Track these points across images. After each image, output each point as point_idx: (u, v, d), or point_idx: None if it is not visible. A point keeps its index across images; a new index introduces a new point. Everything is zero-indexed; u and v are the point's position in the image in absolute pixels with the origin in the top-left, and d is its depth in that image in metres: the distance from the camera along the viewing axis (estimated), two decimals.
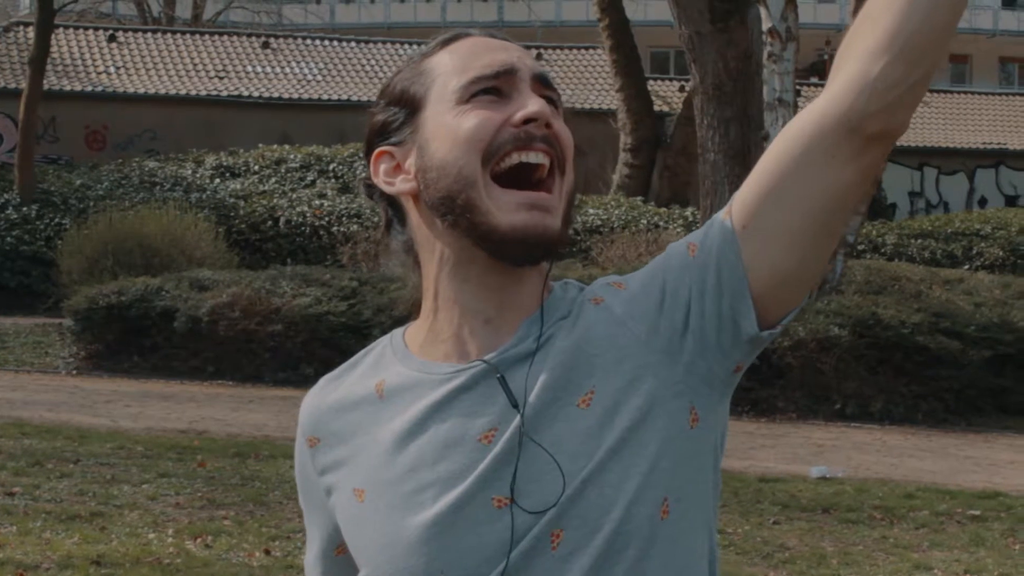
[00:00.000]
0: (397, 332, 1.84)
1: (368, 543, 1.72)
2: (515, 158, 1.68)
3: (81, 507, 8.66)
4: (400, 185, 1.76)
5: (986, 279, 17.24)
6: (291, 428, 12.70)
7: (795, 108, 15.24)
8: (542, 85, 1.74)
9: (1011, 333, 15.02)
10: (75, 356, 16.69)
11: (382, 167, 1.79)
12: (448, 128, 1.71)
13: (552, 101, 1.74)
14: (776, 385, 14.82)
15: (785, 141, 1.66)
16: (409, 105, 1.76)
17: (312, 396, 1.83)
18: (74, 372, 16.13)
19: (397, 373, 1.76)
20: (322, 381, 1.83)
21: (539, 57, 34.79)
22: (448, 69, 1.74)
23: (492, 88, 1.72)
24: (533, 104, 1.69)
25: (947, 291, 16.38)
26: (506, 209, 1.67)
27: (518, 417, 1.67)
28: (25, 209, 22.96)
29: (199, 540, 7.96)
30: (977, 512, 9.88)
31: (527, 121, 1.69)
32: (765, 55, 15.22)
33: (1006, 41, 54.17)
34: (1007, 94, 40.78)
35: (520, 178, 1.69)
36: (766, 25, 15.14)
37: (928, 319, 14.89)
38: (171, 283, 16.55)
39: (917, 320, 14.79)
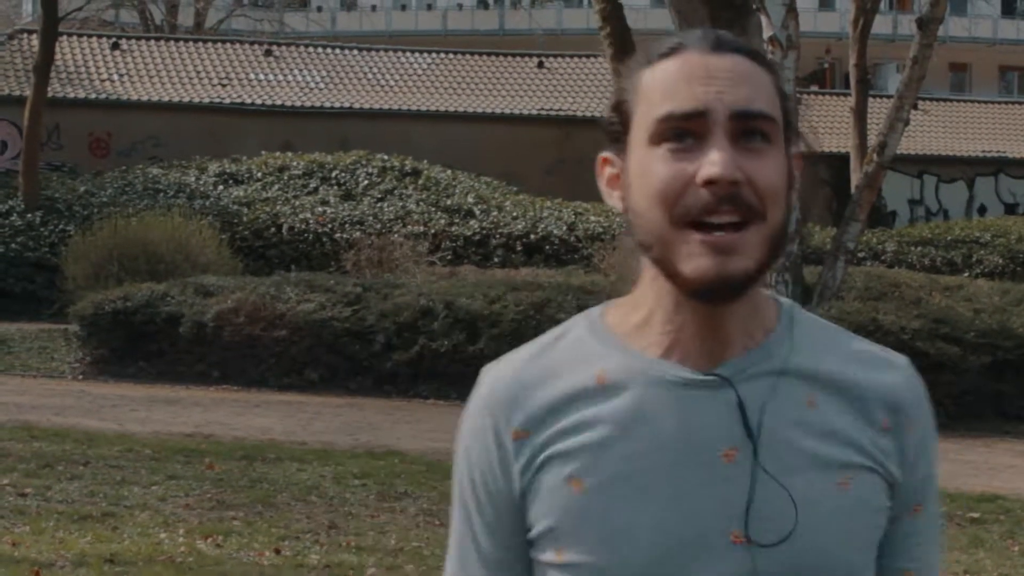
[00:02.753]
0: (593, 315, 1.79)
1: (589, 533, 1.66)
2: (702, 220, 1.63)
3: (92, 508, 8.78)
4: (615, 200, 1.74)
5: (985, 286, 17.38)
6: (297, 432, 12.87)
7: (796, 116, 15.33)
8: (743, 120, 1.65)
9: (1010, 339, 15.15)
10: (81, 361, 16.80)
11: (606, 171, 1.76)
12: (641, 173, 1.68)
13: (758, 132, 1.66)
14: None
15: None
16: (623, 119, 1.73)
17: (511, 381, 1.74)
18: (80, 377, 16.24)
19: (617, 363, 1.71)
20: (512, 366, 1.76)
21: (540, 65, 34.90)
22: (651, 94, 1.69)
23: (684, 130, 1.65)
24: (716, 163, 1.62)
25: (947, 297, 16.52)
26: (689, 253, 1.63)
27: (751, 446, 1.66)
28: (29, 216, 23.09)
29: (210, 540, 8.07)
30: (977, 515, 10.01)
31: (710, 182, 1.63)
32: None
33: (1006, 50, 54.33)
34: (1007, 102, 40.92)
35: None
36: (767, 34, 15.25)
37: (928, 325, 15.02)
38: (176, 289, 16.66)
39: (917, 326, 14.91)
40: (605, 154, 1.75)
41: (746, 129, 1.64)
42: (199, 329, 16.03)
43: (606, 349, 1.72)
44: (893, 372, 1.73)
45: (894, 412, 1.70)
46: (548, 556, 1.68)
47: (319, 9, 51.45)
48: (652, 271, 1.70)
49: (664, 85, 1.67)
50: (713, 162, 1.61)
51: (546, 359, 1.73)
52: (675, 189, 1.63)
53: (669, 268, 1.65)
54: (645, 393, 1.68)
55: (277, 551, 7.96)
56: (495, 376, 1.74)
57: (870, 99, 29.13)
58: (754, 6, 16.54)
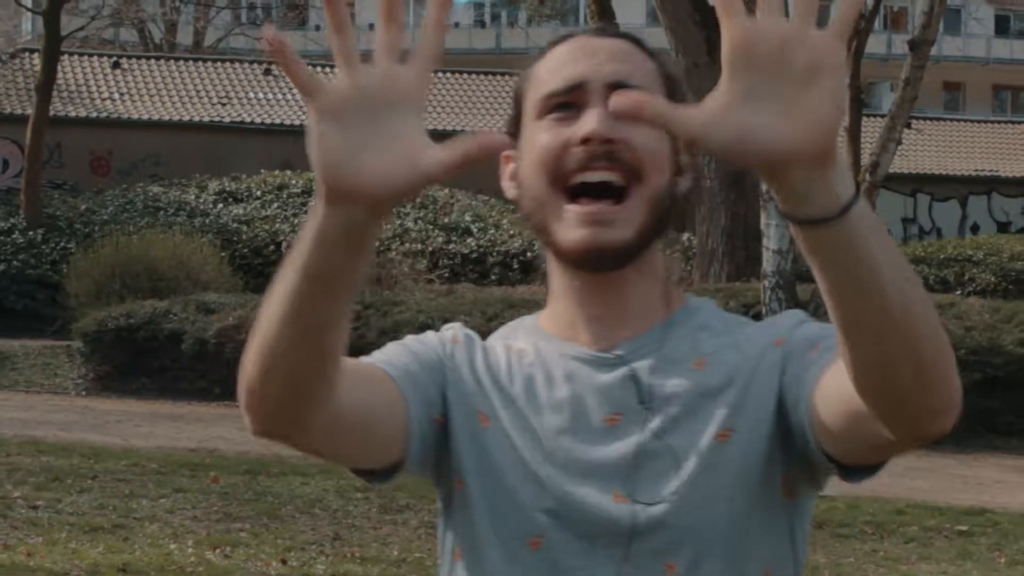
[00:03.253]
0: (530, 318, 1.90)
1: (489, 466, 1.78)
2: (577, 178, 1.73)
3: (103, 519, 9.01)
4: (510, 191, 1.83)
5: (976, 304, 17.58)
6: None
7: None
8: (620, 91, 1.66)
9: (1000, 356, 15.37)
10: (84, 377, 17.03)
11: (508, 168, 1.84)
12: (528, 146, 1.79)
13: None
14: None
15: (838, 385, 1.59)
16: (517, 109, 1.84)
17: (464, 327, 1.90)
18: (84, 393, 16.47)
19: (529, 342, 1.83)
20: (468, 331, 1.90)
21: None
22: (539, 78, 1.81)
23: (565, 103, 1.76)
24: (589, 122, 1.72)
25: (938, 315, 16.75)
26: (568, 224, 1.73)
27: (645, 413, 1.76)
28: (31, 233, 23.33)
29: (218, 550, 8.30)
30: (965, 527, 10.23)
31: (586, 140, 1.72)
32: None
33: (999, 69, 54.68)
34: (999, 122, 41.22)
35: (593, 188, 1.74)
36: None
37: None
38: (178, 306, 16.90)
39: None
40: (507, 152, 1.83)
41: None
42: (201, 346, 16.26)
43: (527, 334, 1.85)
44: (784, 316, 1.82)
45: (781, 336, 1.75)
46: (453, 478, 1.80)
47: (317, 28, 51.75)
48: (551, 266, 1.82)
49: (550, 69, 1.79)
50: (587, 121, 1.72)
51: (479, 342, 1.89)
52: (555, 151, 1.73)
53: (549, 237, 1.76)
54: (551, 364, 1.79)
55: (283, 561, 8.19)
56: (457, 325, 1.92)
57: (864, 118, 29.45)
58: None
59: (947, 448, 14.61)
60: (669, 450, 1.74)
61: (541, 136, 1.76)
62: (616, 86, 1.71)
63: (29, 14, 37.10)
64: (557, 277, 1.82)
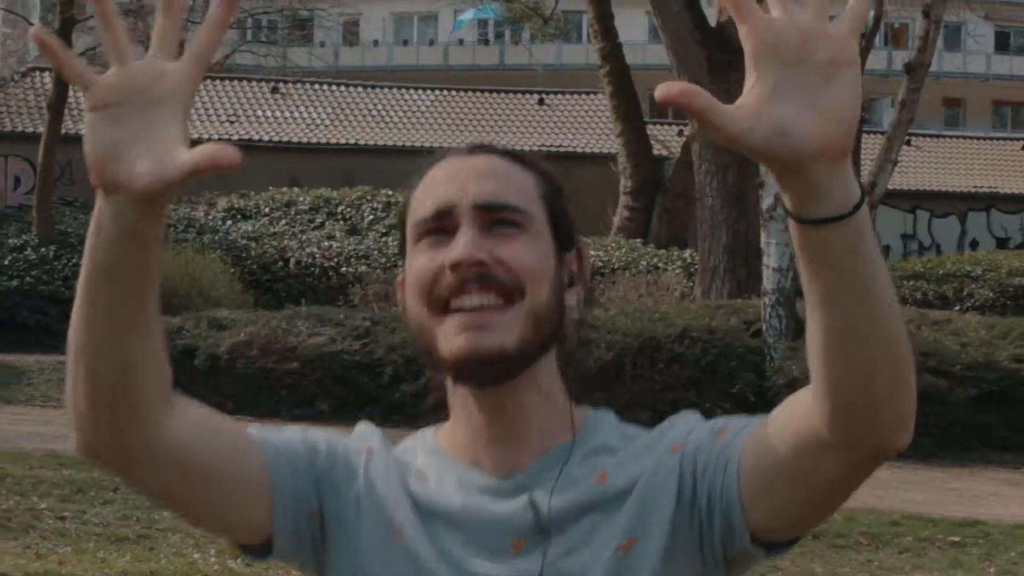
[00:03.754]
0: (427, 433, 1.85)
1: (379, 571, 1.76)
2: (453, 304, 1.70)
3: (127, 530, 9.38)
4: (404, 316, 1.80)
5: (973, 320, 17.91)
6: None
7: None
8: (489, 211, 1.73)
9: (995, 372, 15.70)
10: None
11: (399, 294, 1.82)
12: (408, 271, 1.77)
13: (507, 221, 1.74)
14: None
15: (783, 424, 1.65)
16: (401, 232, 1.82)
17: (381, 435, 1.86)
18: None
19: (430, 465, 1.79)
20: (379, 433, 1.86)
21: (541, 102, 35.57)
22: (415, 202, 1.79)
23: (437, 228, 1.74)
24: (456, 247, 1.70)
25: (935, 331, 17.05)
26: (447, 335, 1.69)
27: (547, 538, 1.73)
28: (43, 250, 23.68)
29: (239, 559, 8.66)
30: (957, 538, 10.59)
31: (455, 266, 1.69)
32: None
33: (999, 85, 55.02)
34: (998, 139, 41.54)
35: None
36: None
37: (916, 358, 15.28)
38: (191, 322, 17.25)
39: None
40: (399, 279, 1.82)
41: (495, 219, 1.72)
42: (213, 361, 16.60)
43: (430, 457, 1.80)
44: (674, 422, 1.80)
45: (677, 442, 1.75)
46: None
47: (322, 44, 52.16)
48: (449, 387, 1.78)
49: (423, 194, 1.77)
50: (455, 246, 1.70)
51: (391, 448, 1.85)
52: (429, 277, 1.71)
53: (433, 355, 1.71)
54: (449, 494, 1.76)
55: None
56: (370, 426, 1.88)
57: (865, 135, 29.77)
58: None
59: (943, 462, 14.96)
60: (574, 573, 1.71)
61: (417, 261, 1.74)
62: (485, 207, 1.72)
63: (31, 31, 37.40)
64: (454, 396, 1.78)
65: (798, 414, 1.60)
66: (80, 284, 1.54)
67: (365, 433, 1.86)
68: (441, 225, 1.73)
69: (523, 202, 1.76)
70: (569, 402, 1.80)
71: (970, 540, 10.57)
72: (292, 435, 1.79)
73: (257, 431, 1.76)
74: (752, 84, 1.40)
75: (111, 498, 10.53)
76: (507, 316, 1.69)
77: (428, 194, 1.77)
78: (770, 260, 15.79)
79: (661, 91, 1.36)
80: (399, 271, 1.82)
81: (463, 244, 1.70)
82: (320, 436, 1.81)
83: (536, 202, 1.78)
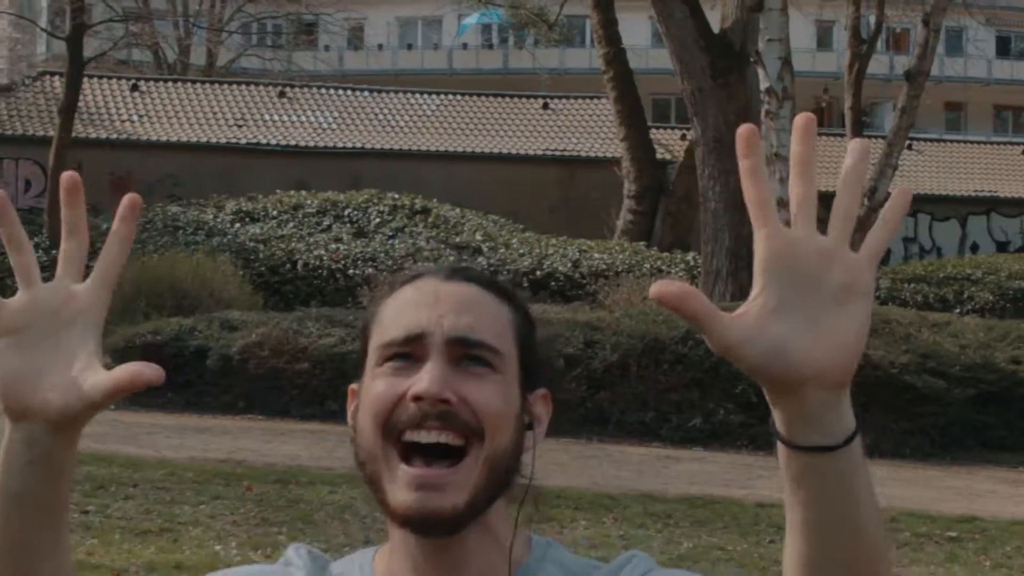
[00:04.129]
0: (367, 556, 1.76)
1: None
2: (409, 436, 1.61)
3: (150, 523, 9.69)
4: (351, 432, 1.71)
5: (972, 323, 18.21)
6: (324, 458, 13.70)
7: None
8: (463, 346, 1.65)
9: (993, 373, 16.01)
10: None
11: (352, 405, 1.74)
12: (365, 393, 1.68)
13: (479, 359, 1.66)
14: None
15: None
16: (363, 348, 1.74)
17: (312, 562, 1.76)
18: (112, 406, 16.88)
19: None
20: (312, 558, 1.76)
21: (545, 107, 35.87)
22: (383, 321, 1.70)
23: (405, 353, 1.65)
24: (423, 380, 1.61)
25: (934, 333, 17.35)
26: (399, 486, 1.61)
27: None
28: (55, 252, 23.64)
29: (260, 551, 8.98)
30: (954, 534, 10.89)
31: (417, 397, 1.61)
32: (763, 112, 16.27)
33: (1000, 89, 55.32)
34: (999, 143, 41.81)
35: (426, 448, 1.63)
36: (764, 85, 16.19)
37: (915, 360, 15.89)
38: (203, 324, 17.55)
39: (905, 361, 15.77)
40: (353, 386, 1.74)
41: (466, 355, 1.65)
42: (225, 362, 16.90)
43: None
44: (620, 568, 1.71)
45: None
46: None
47: (326, 48, 52.47)
48: (388, 519, 1.68)
49: (394, 314, 1.69)
50: (421, 378, 1.61)
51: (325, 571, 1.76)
52: (388, 403, 1.62)
53: (379, 493, 1.64)
54: None
55: None
56: (300, 552, 1.78)
57: (866, 138, 30.02)
58: (751, 59, 17.45)
59: (941, 461, 15.26)
60: None
61: (377, 384, 1.65)
62: (457, 341, 1.65)
63: (43, 37, 37.81)
64: (393, 530, 1.70)
65: None
66: None
67: (295, 563, 1.75)
68: (409, 351, 1.65)
69: (497, 341, 1.68)
70: (510, 537, 1.70)
71: (967, 535, 10.86)
72: None
73: None
74: (757, 294, 1.34)
75: (132, 493, 10.84)
76: (460, 473, 1.61)
77: (399, 316, 1.68)
78: None
79: (656, 289, 1.30)
80: (355, 382, 1.73)
81: (430, 379, 1.61)
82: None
83: (509, 340, 1.70)
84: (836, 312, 1.33)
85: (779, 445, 1.38)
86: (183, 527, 9.66)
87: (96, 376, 1.39)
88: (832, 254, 1.34)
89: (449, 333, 1.65)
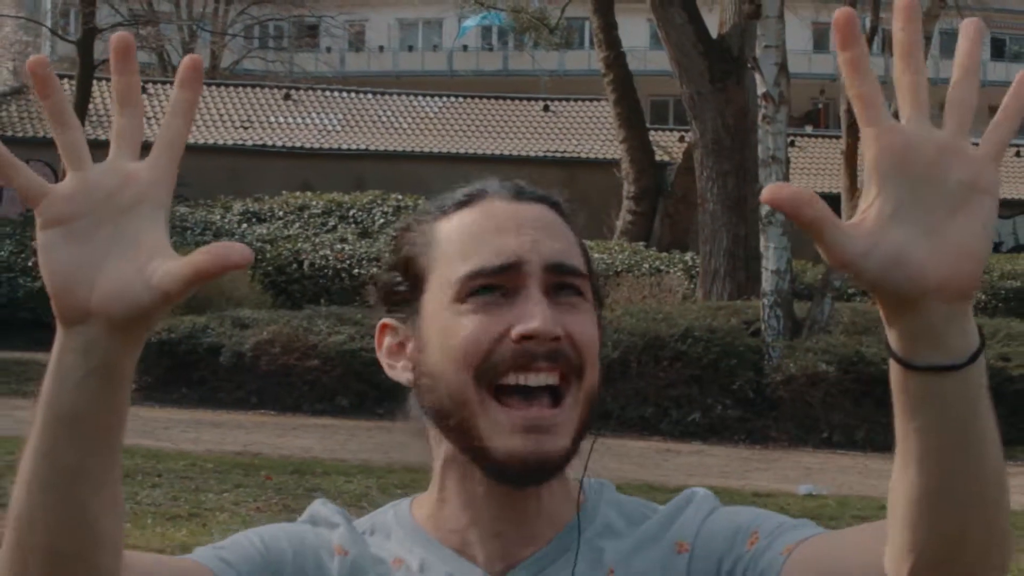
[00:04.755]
0: (402, 506, 1.65)
1: None
2: (512, 379, 1.48)
3: (178, 509, 10.20)
4: (400, 373, 1.59)
5: None
6: (337, 451, 14.23)
7: (787, 164, 16.67)
8: (558, 275, 1.52)
9: None
10: (129, 401, 18.17)
11: (386, 341, 1.60)
12: (442, 331, 1.51)
13: (572, 287, 1.53)
14: (769, 416, 16.31)
15: (850, 554, 1.41)
16: (414, 280, 1.57)
17: (345, 519, 1.64)
18: (128, 402, 17.61)
19: (415, 555, 1.58)
20: (342, 515, 1.65)
21: (546, 109, 36.36)
22: (453, 249, 1.54)
23: (494, 284, 1.51)
24: (532, 318, 1.48)
25: None
26: (501, 431, 1.48)
27: None
28: None
29: None
30: None
31: (527, 338, 1.48)
32: (760, 117, 16.73)
33: (995, 91, 54.71)
34: None
35: (526, 390, 1.50)
36: (760, 90, 16.63)
37: None
38: (216, 322, 18.07)
39: None
40: (386, 320, 1.60)
41: (559, 283, 1.52)
42: (238, 359, 17.41)
43: (409, 539, 1.60)
44: (683, 508, 1.59)
45: (684, 539, 1.56)
46: None
47: (328, 50, 52.93)
48: (445, 453, 1.56)
49: (470, 239, 1.53)
50: (531, 315, 1.48)
51: (359, 534, 1.63)
52: (484, 344, 1.48)
53: (472, 442, 1.50)
54: None
55: None
56: (332, 510, 1.67)
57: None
58: (749, 65, 17.94)
59: None
60: None
61: (463, 324, 1.50)
62: (554, 268, 1.52)
63: (47, 39, 38.28)
64: (453, 478, 1.57)
65: (869, 551, 1.34)
66: (33, 442, 1.26)
67: (328, 521, 1.63)
68: (501, 282, 1.50)
69: (582, 265, 1.57)
70: (573, 482, 1.60)
71: None
72: (253, 550, 1.54)
73: (216, 561, 1.51)
74: (871, 200, 1.18)
75: (158, 482, 11.34)
76: (565, 413, 1.50)
77: (478, 241, 1.53)
78: (769, 263, 16.44)
79: (768, 193, 1.15)
80: (391, 323, 1.59)
81: (541, 314, 1.48)
82: (284, 540, 1.57)
83: (580, 259, 1.58)
84: (958, 214, 1.17)
85: (894, 367, 1.22)
86: (210, 512, 10.16)
87: (169, 263, 1.19)
88: (951, 149, 1.19)
89: (547, 259, 1.52)
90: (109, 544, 1.30)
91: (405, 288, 1.58)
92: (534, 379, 1.49)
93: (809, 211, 1.15)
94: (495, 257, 1.51)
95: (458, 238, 1.55)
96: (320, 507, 1.67)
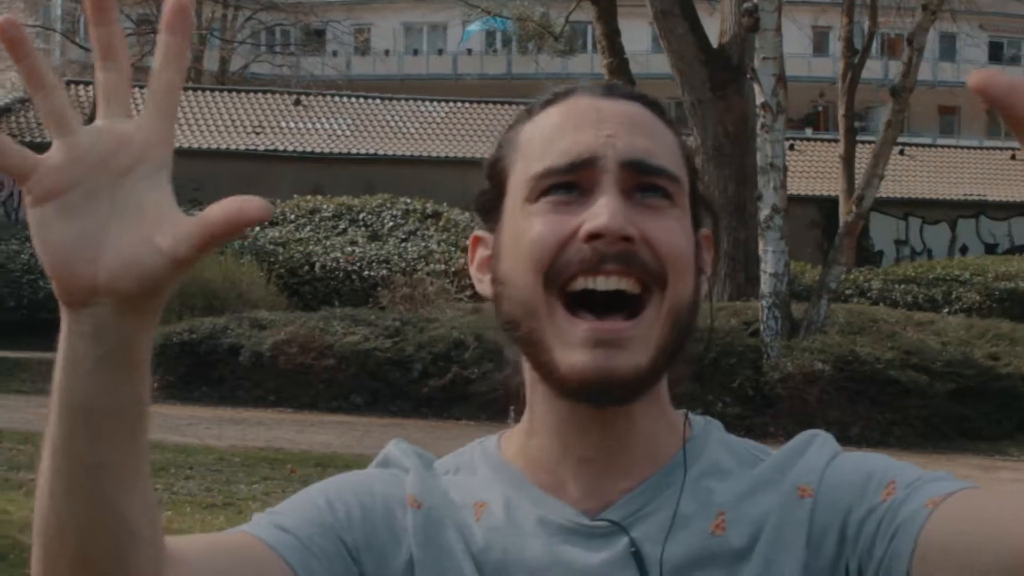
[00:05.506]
0: (489, 442, 1.53)
1: None
2: (580, 283, 1.38)
3: (213, 499, 10.87)
4: (484, 287, 1.50)
5: (954, 321, 19.28)
6: (354, 446, 14.90)
7: (785, 171, 17.26)
8: (638, 173, 1.40)
9: (972, 368, 17.06)
10: (150, 386, 18.85)
11: (478, 255, 1.52)
12: (514, 234, 1.43)
13: (658, 189, 1.40)
14: (768, 413, 16.91)
15: (1011, 520, 1.22)
16: (498, 184, 1.48)
17: (419, 461, 1.52)
18: (151, 400, 18.28)
19: (500, 495, 1.47)
20: (418, 457, 1.52)
21: None
22: (531, 148, 1.45)
23: (568, 183, 1.40)
24: (601, 215, 1.36)
25: (919, 332, 18.41)
26: (569, 344, 1.37)
27: None
28: None
29: None
30: None
31: (595, 236, 1.36)
32: (759, 125, 17.32)
33: None
34: (987, 148, 42.71)
35: (599, 297, 1.38)
36: (759, 100, 17.21)
37: (900, 356, 16.96)
38: (234, 323, 18.72)
39: (890, 357, 16.83)
40: (478, 232, 1.52)
41: (643, 185, 1.41)
42: (257, 358, 18.05)
43: (495, 477, 1.49)
44: (804, 450, 1.47)
45: (807, 483, 1.42)
46: None
47: (334, 54, 53.53)
48: (532, 376, 1.46)
49: (546, 134, 1.44)
50: (599, 212, 1.37)
51: (442, 478, 1.51)
52: (552, 245, 1.39)
53: (541, 355, 1.40)
54: (526, 537, 1.43)
55: None
56: (408, 449, 1.54)
57: (861, 144, 31.02)
58: (748, 75, 18.57)
59: (923, 450, 16.37)
60: None
61: (534, 224, 1.41)
62: (634, 166, 1.40)
63: (57, 44, 38.93)
64: (540, 402, 1.46)
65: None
66: (50, 440, 1.16)
67: (400, 464, 1.51)
68: (574, 180, 1.40)
69: (675, 167, 1.44)
70: (680, 413, 1.50)
71: None
72: (315, 511, 1.44)
73: (271, 530, 1.42)
74: None
75: (190, 475, 12.02)
76: (642, 326, 1.38)
77: (554, 138, 1.43)
78: (767, 266, 16.93)
79: (977, 79, 1.03)
80: (482, 235, 1.51)
81: (609, 211, 1.36)
82: (351, 496, 1.46)
83: (683, 169, 1.46)
84: None
85: None
86: (243, 502, 10.84)
87: (178, 225, 1.08)
88: None
89: (625, 155, 1.40)
90: (145, 547, 1.19)
91: (491, 193, 1.49)
92: (603, 283, 1.37)
93: (1022, 103, 1.03)
94: (566, 155, 1.41)
95: (537, 136, 1.46)
96: (393, 448, 1.54)
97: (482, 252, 1.51)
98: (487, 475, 1.49)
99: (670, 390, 1.49)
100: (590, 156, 1.40)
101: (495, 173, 1.49)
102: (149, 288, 1.10)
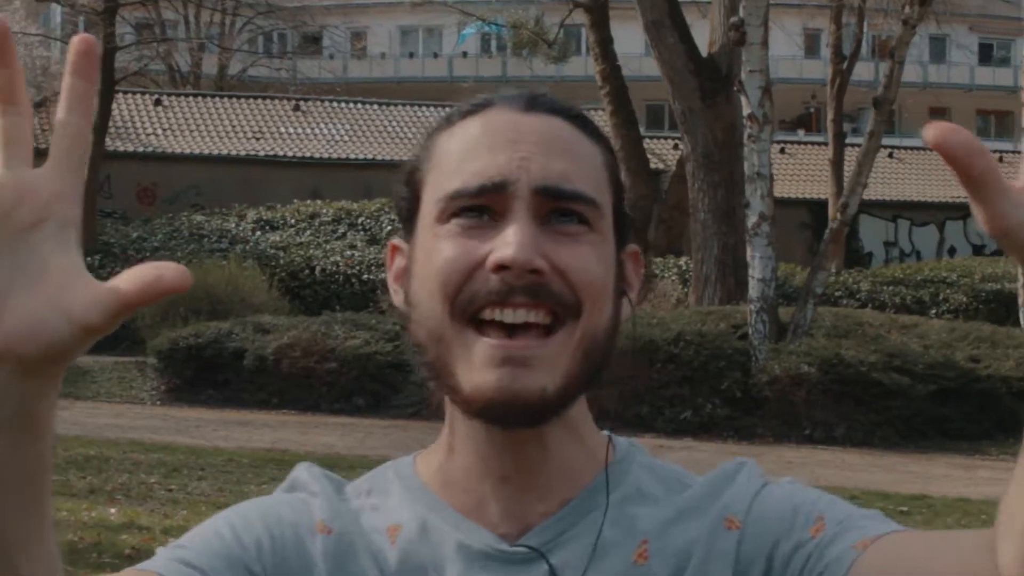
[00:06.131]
0: (404, 462, 1.46)
1: None
2: (488, 315, 1.30)
3: (225, 499, 11.40)
4: (399, 299, 1.41)
5: (936, 324, 19.85)
6: (356, 447, 15.47)
7: (771, 180, 17.77)
8: (552, 199, 1.31)
9: (953, 371, 17.56)
10: (157, 389, 19.41)
11: (395, 264, 1.43)
12: (425, 253, 1.34)
13: (573, 214, 1.32)
14: (755, 414, 17.45)
15: (941, 556, 1.23)
16: (414, 193, 1.39)
17: (330, 485, 1.46)
18: (159, 403, 18.85)
19: (416, 517, 1.39)
20: (328, 481, 1.46)
21: None
22: (445, 163, 1.36)
23: (479, 207, 1.32)
24: (509, 245, 1.28)
25: (903, 335, 18.94)
26: (474, 363, 1.30)
27: None
28: (89, 259, 25.20)
29: None
30: (905, 508, 12.61)
31: (501, 267, 1.28)
32: (746, 136, 17.84)
33: (982, 95, 56.83)
34: None
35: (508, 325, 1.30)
36: (746, 111, 17.73)
37: (883, 358, 17.44)
38: (239, 327, 19.25)
39: (874, 359, 17.31)
40: (395, 241, 1.44)
41: (558, 209, 1.32)
42: (261, 362, 18.56)
43: (410, 498, 1.41)
44: (732, 478, 1.41)
45: (735, 514, 1.37)
46: None
47: (331, 57, 53.99)
48: (449, 408, 1.39)
49: (460, 151, 1.35)
50: (507, 242, 1.29)
51: (349, 496, 1.45)
52: (459, 273, 1.30)
53: (447, 378, 1.32)
54: (444, 562, 1.36)
55: None
56: (320, 474, 1.49)
57: (850, 147, 31.55)
58: (735, 87, 19.11)
59: (905, 449, 16.95)
60: None
61: (442, 248, 1.32)
62: (547, 192, 1.32)
63: (56, 50, 39.38)
64: (459, 420, 1.38)
65: (970, 562, 1.19)
66: None
67: (308, 489, 1.48)
68: (484, 204, 1.32)
69: (595, 191, 1.35)
70: (603, 437, 1.44)
71: (916, 510, 12.58)
72: (220, 543, 1.40)
73: (174, 565, 1.34)
74: None
75: (202, 475, 12.57)
76: (551, 347, 1.31)
77: (468, 158, 1.34)
78: (755, 271, 17.40)
79: (934, 133, 1.01)
80: (399, 243, 1.43)
81: (517, 242, 1.29)
82: (259, 524, 1.43)
83: (605, 189, 1.38)
84: None
85: None
86: None
87: (89, 290, 0.99)
88: None
89: (538, 181, 1.32)
90: None
91: (408, 202, 1.40)
92: (511, 315, 1.30)
93: (980, 162, 1.01)
94: (478, 177, 1.32)
95: (452, 151, 1.36)
96: (302, 472, 1.50)
97: (399, 262, 1.43)
98: (401, 497, 1.42)
99: (593, 409, 1.43)
100: (502, 180, 1.32)
101: (412, 181, 1.40)
102: (54, 354, 0.98)
